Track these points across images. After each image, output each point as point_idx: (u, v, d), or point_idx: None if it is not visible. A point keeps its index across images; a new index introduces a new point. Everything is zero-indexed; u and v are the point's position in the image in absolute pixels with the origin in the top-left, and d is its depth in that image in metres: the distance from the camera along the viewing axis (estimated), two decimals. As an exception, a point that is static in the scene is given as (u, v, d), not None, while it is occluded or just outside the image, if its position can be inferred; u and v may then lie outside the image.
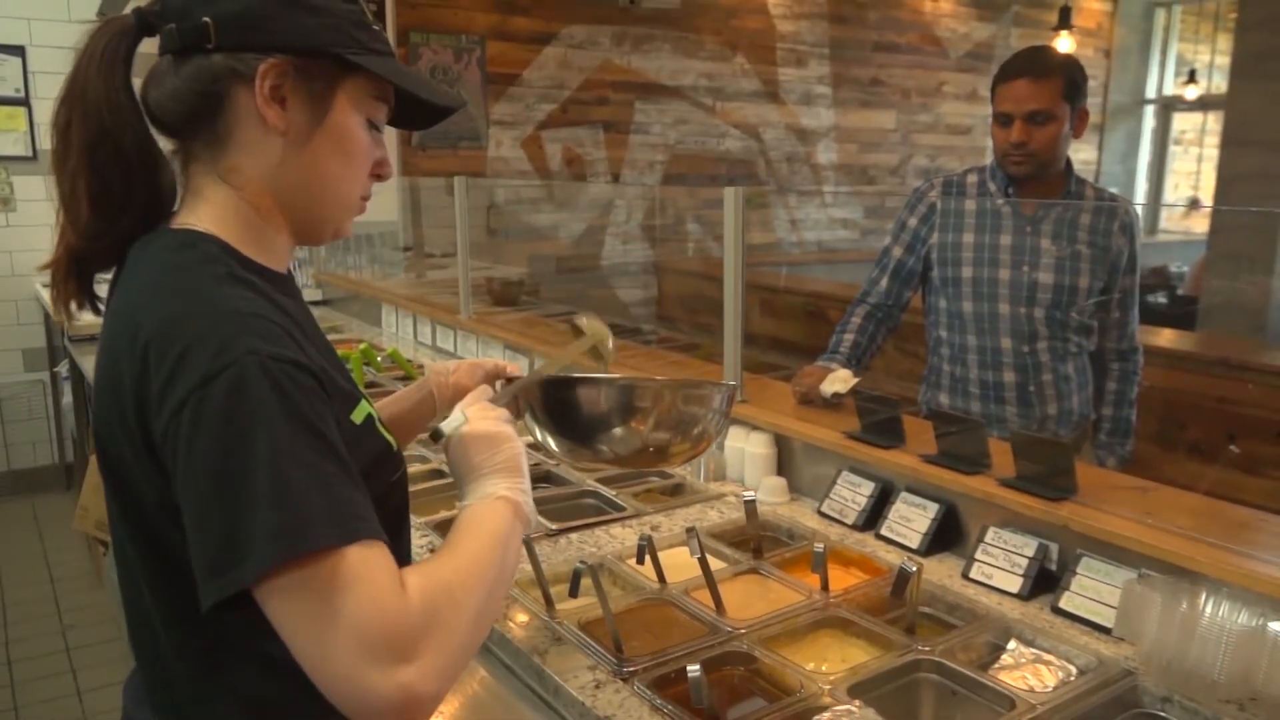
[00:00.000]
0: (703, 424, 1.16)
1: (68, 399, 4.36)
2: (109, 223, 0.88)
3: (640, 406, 1.11)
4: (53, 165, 0.88)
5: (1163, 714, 1.21)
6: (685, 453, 1.19)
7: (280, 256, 0.93)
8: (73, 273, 0.90)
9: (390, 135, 1.07)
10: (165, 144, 0.91)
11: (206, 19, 0.85)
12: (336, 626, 0.72)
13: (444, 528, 1.72)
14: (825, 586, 1.47)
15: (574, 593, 1.41)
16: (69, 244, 0.89)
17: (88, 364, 3.44)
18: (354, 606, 0.72)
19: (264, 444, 0.73)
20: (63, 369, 4.40)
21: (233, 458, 0.73)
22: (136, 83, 0.89)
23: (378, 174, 0.96)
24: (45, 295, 4.74)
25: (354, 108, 0.91)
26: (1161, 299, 5.76)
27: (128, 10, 0.90)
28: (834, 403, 1.98)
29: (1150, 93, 8.09)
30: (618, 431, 1.09)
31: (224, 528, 0.72)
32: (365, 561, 0.74)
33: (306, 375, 0.78)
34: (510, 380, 1.20)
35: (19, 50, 4.40)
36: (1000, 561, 1.51)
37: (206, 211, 0.89)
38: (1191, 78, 7.52)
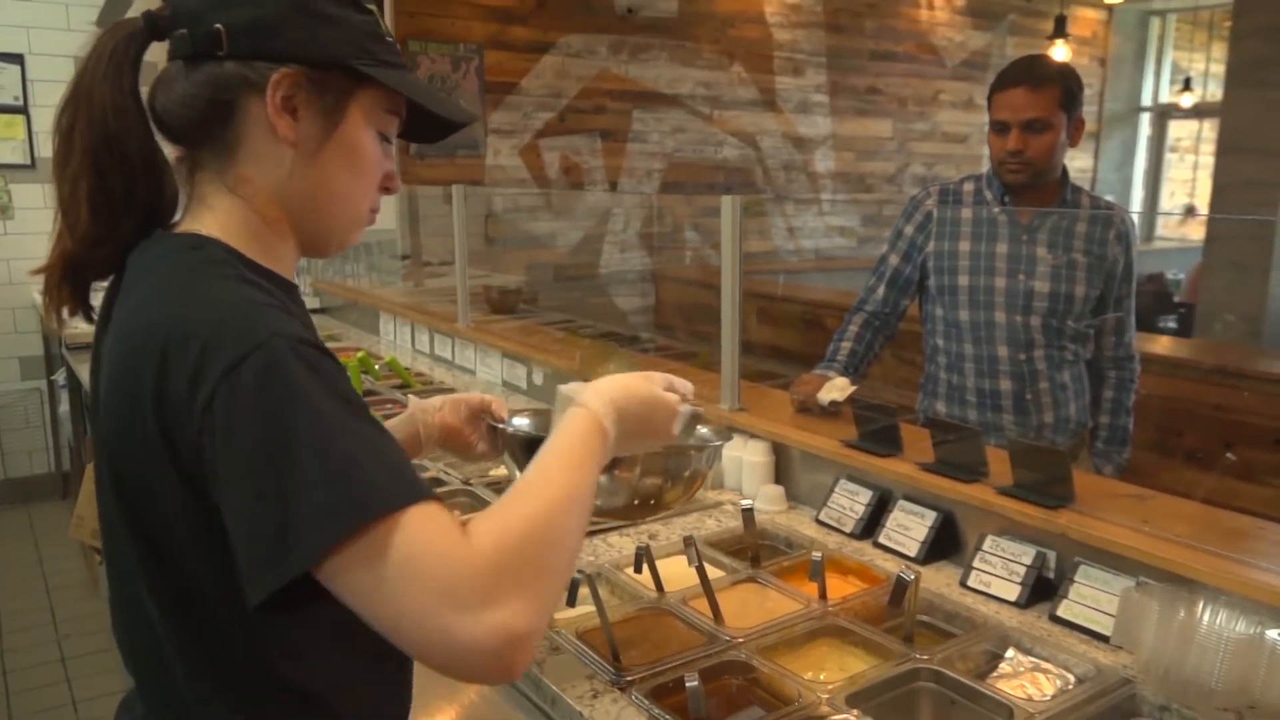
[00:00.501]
0: (693, 466, 1.15)
1: (64, 407, 4.36)
2: (109, 228, 0.86)
3: (623, 465, 1.10)
4: (54, 168, 0.87)
5: (1161, 723, 1.21)
6: (678, 498, 1.18)
7: (286, 266, 0.92)
8: (68, 278, 0.88)
9: (389, 143, 1.08)
10: (169, 151, 0.90)
11: (219, 25, 0.83)
12: (416, 586, 0.69)
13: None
14: (823, 595, 1.47)
15: (571, 602, 1.41)
16: (65, 249, 0.87)
17: (85, 372, 3.43)
18: (429, 562, 0.70)
19: (303, 421, 0.71)
20: (60, 377, 4.40)
21: (273, 440, 0.71)
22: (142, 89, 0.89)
23: (386, 187, 0.95)
24: (43, 303, 4.73)
25: (366, 120, 0.90)
26: (1171, 324, 5.73)
27: (128, 16, 0.89)
28: (831, 411, 1.98)
29: (1146, 100, 8.12)
30: (604, 484, 1.08)
31: (276, 513, 0.70)
32: (429, 518, 0.72)
33: (332, 359, 0.78)
34: (496, 422, 1.20)
35: (18, 58, 4.42)
36: (998, 570, 1.51)
37: (212, 219, 0.87)
38: (1187, 86, 7.55)
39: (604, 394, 0.93)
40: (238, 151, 0.87)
